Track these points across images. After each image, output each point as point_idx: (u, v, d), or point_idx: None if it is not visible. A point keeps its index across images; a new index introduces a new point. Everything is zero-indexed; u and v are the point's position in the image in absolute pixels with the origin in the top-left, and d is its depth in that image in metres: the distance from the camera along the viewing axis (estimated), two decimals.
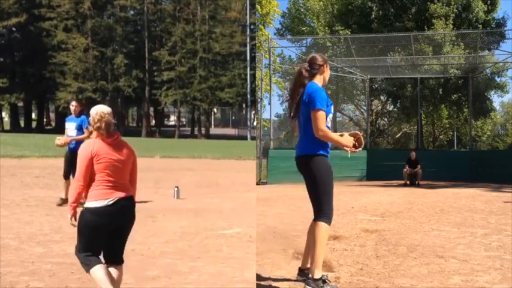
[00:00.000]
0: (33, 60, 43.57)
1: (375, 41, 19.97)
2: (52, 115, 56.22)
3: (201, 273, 4.95)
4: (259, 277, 4.66)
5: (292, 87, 4.37)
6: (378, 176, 17.88)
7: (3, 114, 53.40)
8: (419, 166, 16.54)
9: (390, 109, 29.82)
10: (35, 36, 43.99)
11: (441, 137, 30.24)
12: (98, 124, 3.78)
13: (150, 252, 5.74)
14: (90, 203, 3.75)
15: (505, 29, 25.61)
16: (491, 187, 14.94)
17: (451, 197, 12.20)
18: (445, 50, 22.24)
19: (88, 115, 4.07)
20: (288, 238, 6.52)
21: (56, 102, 45.44)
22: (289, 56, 32.37)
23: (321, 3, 30.80)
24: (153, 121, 57.74)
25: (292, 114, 4.37)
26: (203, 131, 46.58)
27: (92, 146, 3.77)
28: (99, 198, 3.73)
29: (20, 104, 49.00)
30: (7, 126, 47.93)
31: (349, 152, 4.37)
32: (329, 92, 23.31)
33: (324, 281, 4.13)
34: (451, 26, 23.51)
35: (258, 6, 25.59)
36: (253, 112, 42.46)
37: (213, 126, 59.67)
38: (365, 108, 26.01)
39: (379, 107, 30.82)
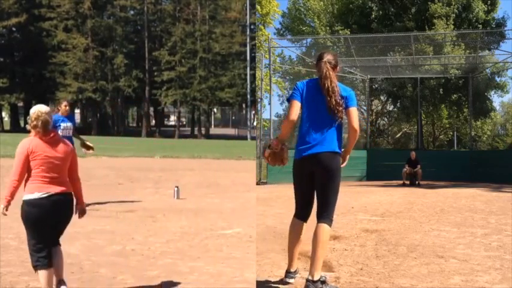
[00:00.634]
0: (33, 60, 43.59)
1: (375, 41, 19.96)
2: None
3: (201, 273, 4.95)
4: (259, 277, 4.66)
5: (332, 84, 4.24)
6: (378, 176, 17.87)
7: (3, 114, 53.39)
8: (419, 166, 16.53)
9: (390, 109, 29.82)
10: (35, 36, 44.02)
11: (441, 137, 30.24)
12: (35, 122, 3.97)
13: (150, 252, 5.74)
14: (26, 196, 3.96)
15: (505, 29, 25.60)
16: (491, 187, 14.93)
17: (451, 197, 12.20)
18: (446, 50, 22.24)
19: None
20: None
21: (56, 102, 45.46)
22: (289, 56, 32.37)
23: (321, 3, 30.79)
24: (153, 121, 57.75)
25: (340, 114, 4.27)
26: (203, 131, 46.60)
27: (29, 144, 3.96)
28: (34, 191, 3.93)
29: (20, 104, 49.02)
30: (7, 126, 47.96)
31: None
32: None
33: (323, 282, 4.10)
34: (452, 26, 23.51)
35: (258, 6, 25.58)
36: (253, 112, 42.46)
37: (213, 126, 59.69)
38: (365, 108, 25.99)
39: (379, 107, 30.81)
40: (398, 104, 27.16)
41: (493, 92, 26.74)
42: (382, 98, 29.22)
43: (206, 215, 8.25)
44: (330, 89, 4.21)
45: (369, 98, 24.78)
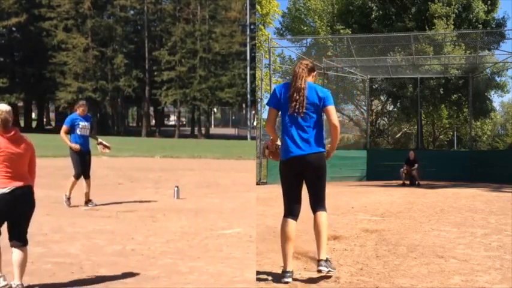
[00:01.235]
0: (33, 60, 43.59)
1: (375, 41, 19.96)
2: (52, 115, 56.23)
3: (201, 273, 4.95)
4: (259, 277, 4.66)
5: (300, 85, 4.59)
6: (378, 176, 17.87)
7: None
8: (416, 165, 16.51)
9: (390, 109, 29.83)
10: (35, 36, 44.01)
11: (441, 137, 30.25)
12: None
13: (150, 252, 5.74)
14: None
15: (505, 29, 25.61)
16: (491, 187, 14.93)
17: (451, 197, 12.20)
18: (446, 50, 22.24)
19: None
20: None
21: (56, 102, 45.48)
22: (289, 56, 32.38)
23: (322, 3, 30.80)
24: (153, 121, 57.76)
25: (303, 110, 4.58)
26: (203, 131, 46.59)
27: None
28: None
29: (20, 104, 49.01)
30: None
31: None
32: None
33: (328, 260, 4.60)
34: (452, 26, 23.51)
35: (258, 6, 25.60)
36: (253, 112, 42.47)
37: (213, 126, 59.70)
38: (365, 108, 25.99)
39: (379, 107, 30.82)
40: (398, 104, 27.17)
41: (493, 92, 26.77)
42: (382, 98, 29.22)
43: (206, 215, 8.25)
44: (298, 86, 4.57)
45: (369, 98, 24.78)
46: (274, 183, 16.00)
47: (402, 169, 16.54)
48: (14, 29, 45.55)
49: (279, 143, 4.80)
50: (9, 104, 41.48)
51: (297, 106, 4.53)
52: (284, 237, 4.57)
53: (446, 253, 5.67)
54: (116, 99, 46.29)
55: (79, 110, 8.89)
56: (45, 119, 54.06)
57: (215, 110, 64.08)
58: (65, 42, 43.45)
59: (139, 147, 26.91)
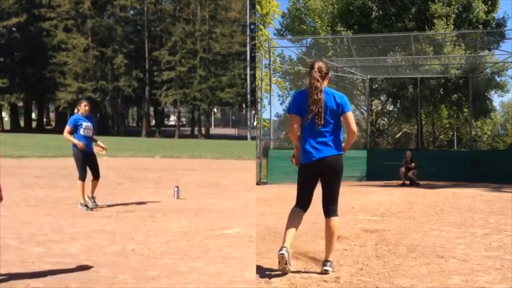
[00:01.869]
0: (33, 60, 43.59)
1: (375, 41, 19.96)
2: (52, 115, 56.26)
3: (201, 273, 4.95)
4: (259, 277, 4.66)
5: (317, 97, 4.72)
6: (378, 176, 17.87)
7: (3, 114, 53.43)
8: (413, 165, 16.51)
9: (390, 109, 29.85)
10: (35, 36, 44.01)
11: (441, 137, 30.26)
12: None
13: (150, 252, 5.74)
14: None
15: (505, 29, 25.63)
16: (491, 187, 14.93)
17: (451, 197, 12.20)
18: (446, 50, 22.24)
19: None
20: None
21: (56, 102, 45.48)
22: (289, 56, 32.41)
23: (322, 3, 30.81)
24: (153, 121, 57.76)
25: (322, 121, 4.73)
26: (203, 131, 46.60)
27: None
28: None
29: (20, 104, 49.04)
30: (7, 126, 47.97)
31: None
32: None
33: (330, 261, 4.85)
34: (452, 26, 23.51)
35: (258, 6, 25.60)
36: (253, 112, 42.47)
37: (213, 126, 59.72)
38: (365, 108, 26.02)
39: (379, 107, 30.83)
40: (398, 104, 27.17)
41: (493, 92, 26.79)
42: (382, 98, 29.23)
43: (206, 215, 8.25)
44: (315, 98, 4.70)
45: (369, 98, 24.79)
46: (274, 183, 16.02)
47: (402, 169, 16.55)
48: (14, 29, 45.55)
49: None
50: (9, 104, 41.35)
51: (316, 118, 4.70)
52: (289, 220, 4.78)
53: (446, 253, 5.67)
54: (116, 99, 46.29)
55: (81, 110, 8.75)
56: (45, 119, 54.06)
57: (215, 110, 64.12)
58: (65, 42, 43.45)
59: (139, 147, 26.92)
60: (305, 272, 4.80)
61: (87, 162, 8.68)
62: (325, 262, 4.78)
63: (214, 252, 5.77)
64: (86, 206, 8.48)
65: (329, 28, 29.19)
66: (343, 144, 4.90)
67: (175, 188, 10.12)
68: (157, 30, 46.87)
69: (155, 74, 44.59)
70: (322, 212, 4.86)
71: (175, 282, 4.68)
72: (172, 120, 65.33)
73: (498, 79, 26.23)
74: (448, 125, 28.55)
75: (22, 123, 48.90)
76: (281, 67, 27.98)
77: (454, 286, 4.45)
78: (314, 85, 4.74)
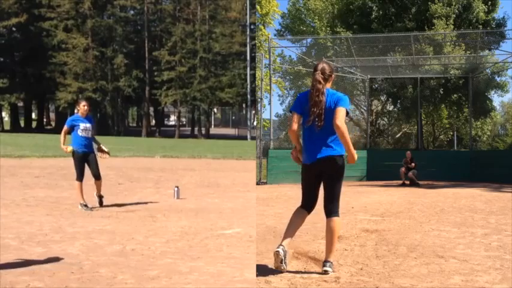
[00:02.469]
0: (33, 60, 43.56)
1: (375, 41, 19.96)
2: (52, 115, 56.24)
3: (201, 273, 4.95)
4: (259, 277, 4.66)
5: (318, 99, 4.73)
6: (377, 176, 17.87)
7: (3, 114, 53.41)
8: (413, 165, 16.51)
9: (390, 109, 29.83)
10: (35, 36, 43.97)
11: (441, 137, 30.25)
12: None
13: (150, 252, 5.74)
14: None
15: (505, 29, 25.60)
16: (491, 187, 14.93)
17: (451, 197, 12.20)
18: (446, 50, 22.24)
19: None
20: None
21: (56, 102, 45.44)
22: (289, 56, 32.42)
23: (322, 3, 30.81)
24: (153, 121, 57.74)
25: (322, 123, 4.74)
26: (203, 131, 46.59)
27: None
28: None
29: (20, 104, 49.00)
30: (7, 126, 47.95)
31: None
32: None
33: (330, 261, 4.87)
34: (452, 26, 23.51)
35: (258, 6, 25.60)
36: (253, 112, 42.46)
37: (213, 126, 59.69)
38: (365, 108, 26.02)
39: (379, 107, 30.82)
40: (398, 104, 27.16)
41: (493, 92, 26.78)
42: (382, 98, 29.22)
43: (206, 215, 8.25)
44: (316, 100, 4.72)
45: (369, 98, 24.80)
46: (274, 183, 16.02)
47: (402, 169, 16.55)
48: (14, 29, 45.52)
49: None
50: (9, 104, 41.50)
51: (317, 119, 4.74)
52: (291, 220, 4.86)
53: (446, 253, 5.67)
54: (116, 99, 46.26)
55: (80, 110, 8.66)
56: (45, 119, 54.04)
57: (215, 110, 64.07)
58: (65, 42, 43.42)
59: (139, 147, 26.92)
60: (305, 272, 4.81)
61: (84, 162, 8.64)
62: (325, 262, 4.80)
63: (214, 252, 5.77)
64: (86, 205, 8.49)
65: (328, 28, 29.17)
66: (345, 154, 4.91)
67: (175, 188, 10.12)
68: (157, 30, 46.84)
69: (155, 74, 44.57)
70: (323, 212, 4.87)
71: (175, 282, 4.68)
72: (172, 120, 65.31)
73: (498, 79, 26.23)
74: (448, 125, 28.54)
75: (22, 123, 48.89)
76: (281, 67, 27.99)
77: (454, 286, 4.45)
78: (316, 87, 4.77)
